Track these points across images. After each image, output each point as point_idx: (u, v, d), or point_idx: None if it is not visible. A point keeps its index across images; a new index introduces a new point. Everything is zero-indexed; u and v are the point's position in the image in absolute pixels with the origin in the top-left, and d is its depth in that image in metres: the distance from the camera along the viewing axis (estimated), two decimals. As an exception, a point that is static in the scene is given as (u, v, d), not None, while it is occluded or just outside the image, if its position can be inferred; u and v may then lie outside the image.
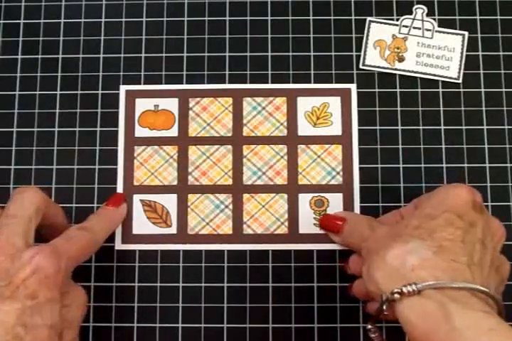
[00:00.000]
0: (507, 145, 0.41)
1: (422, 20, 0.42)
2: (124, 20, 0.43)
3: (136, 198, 0.41)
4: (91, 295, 0.40)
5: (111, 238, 0.40)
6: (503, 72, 0.42)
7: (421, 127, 0.41)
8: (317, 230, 0.40)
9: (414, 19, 0.42)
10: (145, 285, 0.40)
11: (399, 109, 0.42)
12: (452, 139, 0.41)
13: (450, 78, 0.42)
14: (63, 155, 0.42)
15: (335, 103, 0.42)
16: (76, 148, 0.42)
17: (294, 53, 0.43)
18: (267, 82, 0.42)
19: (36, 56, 0.43)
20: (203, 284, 0.40)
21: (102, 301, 0.40)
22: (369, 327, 0.32)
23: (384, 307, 0.28)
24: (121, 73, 0.42)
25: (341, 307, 0.39)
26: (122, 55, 0.43)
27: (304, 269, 0.40)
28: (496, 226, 0.33)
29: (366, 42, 0.42)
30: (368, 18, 0.42)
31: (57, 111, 0.42)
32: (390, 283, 0.28)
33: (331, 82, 0.42)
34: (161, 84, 0.42)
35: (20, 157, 0.42)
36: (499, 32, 0.42)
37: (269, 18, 0.43)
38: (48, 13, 0.43)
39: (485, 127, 0.41)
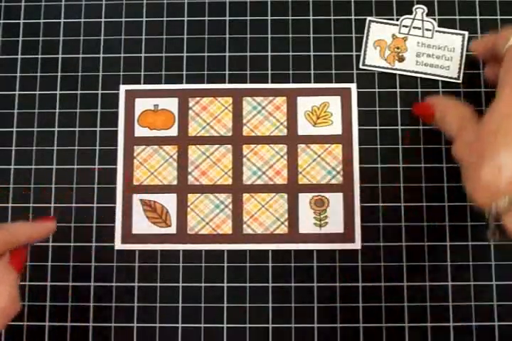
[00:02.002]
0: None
1: (422, 20, 0.42)
2: (124, 20, 0.43)
3: (136, 198, 0.41)
4: (91, 295, 0.40)
5: (111, 238, 0.40)
6: (503, 71, 0.42)
7: (421, 127, 0.41)
8: (317, 230, 0.40)
9: (414, 19, 0.42)
10: (145, 285, 0.40)
11: (399, 109, 0.42)
12: (452, 139, 0.41)
13: (450, 78, 0.41)
14: (63, 155, 0.42)
15: (335, 103, 0.42)
16: (76, 148, 0.42)
17: (294, 53, 0.43)
18: (267, 82, 0.42)
19: (36, 56, 0.43)
20: (203, 284, 0.40)
21: (101, 301, 0.40)
22: (489, 235, 0.31)
23: (490, 218, 0.29)
24: (121, 73, 0.42)
25: (341, 307, 0.39)
26: (122, 55, 0.43)
27: (304, 269, 0.40)
28: None
29: (366, 42, 0.42)
30: (368, 18, 0.42)
31: (57, 111, 0.42)
32: (488, 199, 0.28)
33: (331, 82, 0.42)
34: (161, 83, 0.42)
35: (20, 157, 0.42)
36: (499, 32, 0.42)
37: (269, 18, 0.43)
38: (48, 13, 0.43)
39: None
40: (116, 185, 0.41)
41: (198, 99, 0.42)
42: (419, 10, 0.42)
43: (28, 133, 0.42)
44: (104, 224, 0.41)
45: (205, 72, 0.42)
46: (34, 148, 0.42)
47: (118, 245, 0.40)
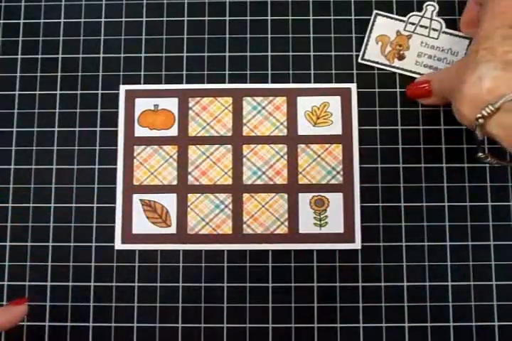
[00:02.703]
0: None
1: (431, 19, 0.41)
2: (124, 20, 0.43)
3: (136, 198, 0.41)
4: (91, 295, 0.40)
5: (111, 238, 0.40)
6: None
7: (421, 127, 0.41)
8: (317, 230, 0.40)
9: (422, 17, 0.41)
10: (145, 285, 0.40)
11: (399, 108, 0.42)
12: (452, 139, 0.41)
13: None
14: (63, 155, 0.42)
15: (335, 102, 0.42)
16: (76, 148, 0.42)
17: (294, 53, 0.43)
18: (267, 82, 0.42)
19: (36, 56, 0.43)
20: (202, 284, 0.40)
21: (102, 301, 0.40)
22: (479, 155, 0.33)
23: (478, 133, 0.31)
24: (121, 73, 0.42)
25: (341, 307, 0.39)
26: (122, 55, 0.43)
27: (304, 269, 0.40)
28: None
29: (369, 37, 0.41)
30: (375, 11, 0.41)
31: (57, 111, 0.42)
32: (474, 112, 0.30)
33: (331, 82, 0.42)
34: (161, 83, 0.42)
35: (20, 157, 0.42)
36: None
37: (269, 18, 0.43)
38: (48, 13, 0.43)
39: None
40: (116, 185, 0.41)
41: (198, 99, 0.42)
42: (430, 7, 0.41)
43: (28, 133, 0.42)
44: (104, 224, 0.41)
45: (205, 72, 0.42)
46: (34, 148, 0.42)
47: (118, 245, 0.40)
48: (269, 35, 0.43)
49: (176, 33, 0.43)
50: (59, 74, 0.43)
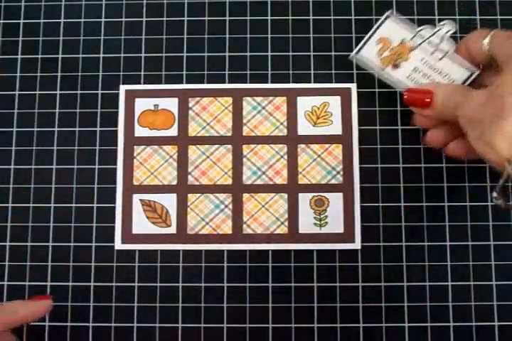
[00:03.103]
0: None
1: (442, 39, 0.37)
2: (124, 20, 0.43)
3: (136, 198, 0.41)
4: (91, 295, 0.40)
5: (111, 238, 0.40)
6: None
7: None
8: (317, 230, 0.40)
9: (434, 34, 0.37)
10: (145, 285, 0.40)
11: (399, 109, 0.42)
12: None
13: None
14: (63, 155, 0.42)
15: (335, 102, 0.42)
16: (76, 148, 0.42)
17: (294, 53, 0.43)
18: (267, 82, 0.42)
19: (36, 56, 0.43)
20: (202, 284, 0.40)
21: (101, 301, 0.40)
22: (495, 195, 0.32)
23: (507, 172, 0.30)
24: (121, 73, 0.42)
25: (341, 307, 0.39)
26: (122, 55, 0.43)
27: (304, 269, 0.40)
28: None
29: (371, 35, 0.38)
30: (387, 13, 0.38)
31: (57, 111, 0.42)
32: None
33: (331, 82, 0.42)
34: (161, 83, 0.42)
35: (20, 157, 0.42)
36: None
37: (269, 18, 0.43)
38: (48, 13, 0.43)
39: None
40: (116, 185, 0.41)
41: (198, 99, 0.42)
42: (447, 27, 0.37)
43: (28, 133, 0.42)
44: (104, 224, 0.41)
45: (205, 72, 0.42)
46: (34, 148, 0.42)
47: (118, 245, 0.40)
48: (269, 35, 0.43)
49: (176, 33, 0.43)
50: (59, 74, 0.43)
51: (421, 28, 0.38)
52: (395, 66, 0.37)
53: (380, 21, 0.38)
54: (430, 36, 0.37)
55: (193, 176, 0.41)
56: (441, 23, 0.37)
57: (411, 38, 0.38)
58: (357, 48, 0.38)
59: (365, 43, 0.38)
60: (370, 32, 0.38)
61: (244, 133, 0.41)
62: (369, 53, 0.38)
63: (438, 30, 0.37)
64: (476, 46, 0.35)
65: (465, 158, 0.38)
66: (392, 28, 0.38)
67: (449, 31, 0.37)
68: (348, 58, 0.40)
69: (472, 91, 0.34)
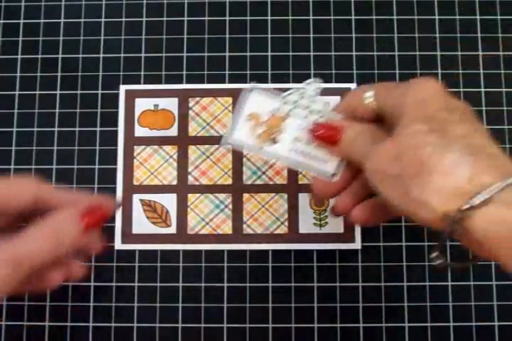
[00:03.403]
0: (507, 145, 0.41)
1: (313, 99, 0.32)
2: (124, 20, 0.43)
3: (136, 198, 0.41)
4: (91, 295, 0.40)
5: (111, 238, 0.40)
6: (503, 72, 0.42)
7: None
8: (317, 230, 0.40)
9: (303, 96, 0.32)
10: (145, 285, 0.40)
11: (399, 108, 0.42)
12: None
13: (325, 174, 0.31)
14: (63, 155, 0.42)
15: (335, 102, 0.41)
16: (76, 148, 0.42)
17: (294, 53, 0.43)
18: (267, 82, 0.42)
19: (36, 56, 0.43)
20: (202, 284, 0.40)
21: (102, 301, 0.40)
22: (434, 255, 0.28)
23: (447, 230, 0.26)
24: (121, 73, 0.42)
25: (341, 307, 0.39)
26: (122, 55, 0.43)
27: (304, 269, 0.40)
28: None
29: (239, 114, 0.32)
30: (250, 85, 0.32)
31: (57, 111, 0.42)
32: (450, 202, 0.25)
33: (331, 82, 0.42)
34: (161, 83, 0.42)
35: (20, 157, 0.42)
36: (499, 32, 0.43)
37: (269, 18, 0.43)
38: (48, 13, 0.43)
39: (484, 127, 0.41)
40: (116, 185, 0.41)
41: (198, 99, 0.42)
42: (311, 86, 0.32)
43: (28, 133, 0.42)
44: (104, 224, 0.41)
45: (205, 72, 0.42)
46: (34, 148, 0.42)
47: (118, 245, 0.40)
48: (269, 35, 0.43)
49: (176, 33, 0.43)
50: (59, 74, 0.43)
51: (286, 93, 0.32)
52: (274, 141, 0.32)
53: (243, 97, 0.32)
54: (298, 100, 0.32)
55: (193, 176, 0.41)
56: (307, 81, 0.32)
57: (278, 107, 0.32)
58: (228, 131, 0.33)
59: (234, 125, 0.33)
60: (236, 110, 0.32)
61: (244, 133, 0.41)
62: (242, 135, 0.32)
63: (304, 92, 0.32)
64: (358, 100, 0.30)
65: (373, 222, 0.31)
66: (258, 101, 0.32)
67: (316, 89, 0.32)
68: (221, 145, 0.35)
69: (381, 142, 0.28)
